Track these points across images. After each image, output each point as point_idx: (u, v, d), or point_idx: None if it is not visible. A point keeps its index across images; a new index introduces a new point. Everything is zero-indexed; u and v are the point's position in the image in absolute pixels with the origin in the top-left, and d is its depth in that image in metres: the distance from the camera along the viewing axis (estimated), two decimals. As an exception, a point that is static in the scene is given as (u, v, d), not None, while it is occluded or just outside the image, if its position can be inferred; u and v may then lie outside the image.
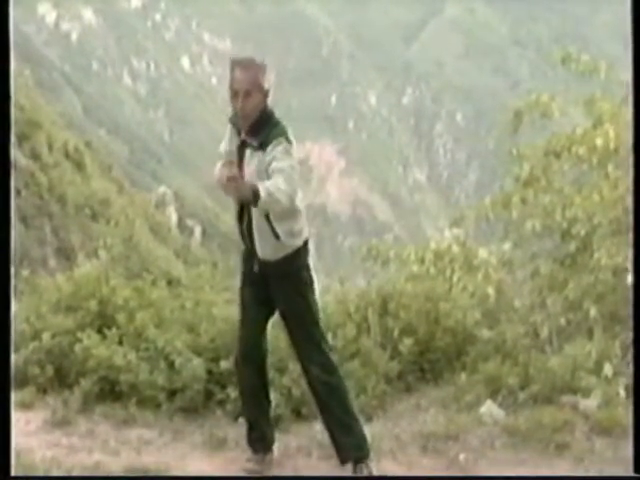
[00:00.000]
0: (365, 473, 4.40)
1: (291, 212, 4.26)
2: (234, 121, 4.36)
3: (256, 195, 3.93)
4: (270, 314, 4.58)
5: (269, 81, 4.27)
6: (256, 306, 4.51)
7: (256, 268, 4.40)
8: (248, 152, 4.26)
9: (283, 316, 4.53)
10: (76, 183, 47.80)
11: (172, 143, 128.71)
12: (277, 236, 4.27)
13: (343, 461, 4.47)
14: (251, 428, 4.63)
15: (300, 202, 4.32)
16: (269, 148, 4.15)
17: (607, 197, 6.50)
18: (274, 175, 4.06)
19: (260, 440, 4.61)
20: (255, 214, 4.25)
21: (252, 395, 4.61)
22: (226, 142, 4.42)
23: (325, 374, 4.44)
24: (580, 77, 7.24)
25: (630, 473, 3.95)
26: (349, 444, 4.45)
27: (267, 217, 4.23)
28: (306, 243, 4.42)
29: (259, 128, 4.23)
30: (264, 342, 4.59)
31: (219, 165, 4.31)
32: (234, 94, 4.23)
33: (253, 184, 3.99)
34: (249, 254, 4.43)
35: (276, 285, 4.42)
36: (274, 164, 4.09)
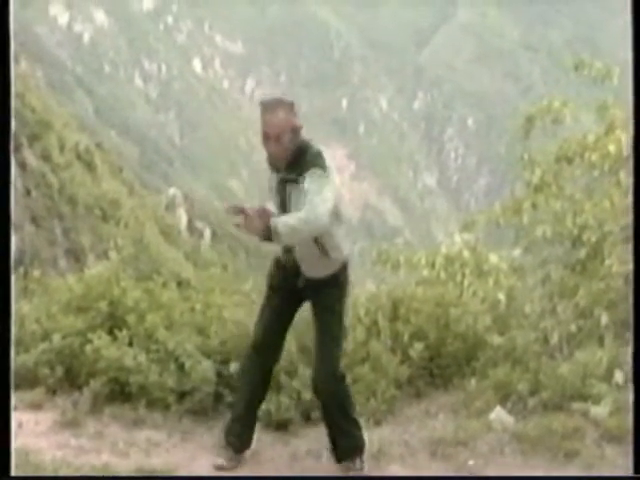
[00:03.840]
0: (361, 467, 4.45)
1: (336, 228, 4.28)
2: (270, 161, 4.31)
3: (269, 230, 3.95)
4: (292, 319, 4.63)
5: (298, 118, 4.23)
6: (287, 314, 4.53)
7: (301, 284, 4.39)
8: (288, 188, 4.23)
9: (316, 317, 4.49)
10: (87, 184, 48.03)
11: (183, 145, 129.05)
12: (326, 253, 4.27)
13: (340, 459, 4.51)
14: (233, 421, 4.63)
15: (343, 216, 4.32)
16: (306, 180, 4.13)
17: (618, 204, 6.48)
18: (303, 207, 4.07)
19: (237, 436, 4.61)
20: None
21: (251, 390, 4.60)
22: (268, 180, 4.39)
23: (337, 374, 4.43)
24: (593, 83, 7.21)
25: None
26: (350, 445, 4.48)
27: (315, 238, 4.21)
28: (347, 257, 4.45)
29: (296, 163, 4.20)
30: (282, 345, 4.63)
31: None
32: (265, 137, 4.20)
33: (269, 220, 3.99)
34: (293, 271, 4.39)
35: (317, 295, 4.41)
36: (308, 196, 4.08)
